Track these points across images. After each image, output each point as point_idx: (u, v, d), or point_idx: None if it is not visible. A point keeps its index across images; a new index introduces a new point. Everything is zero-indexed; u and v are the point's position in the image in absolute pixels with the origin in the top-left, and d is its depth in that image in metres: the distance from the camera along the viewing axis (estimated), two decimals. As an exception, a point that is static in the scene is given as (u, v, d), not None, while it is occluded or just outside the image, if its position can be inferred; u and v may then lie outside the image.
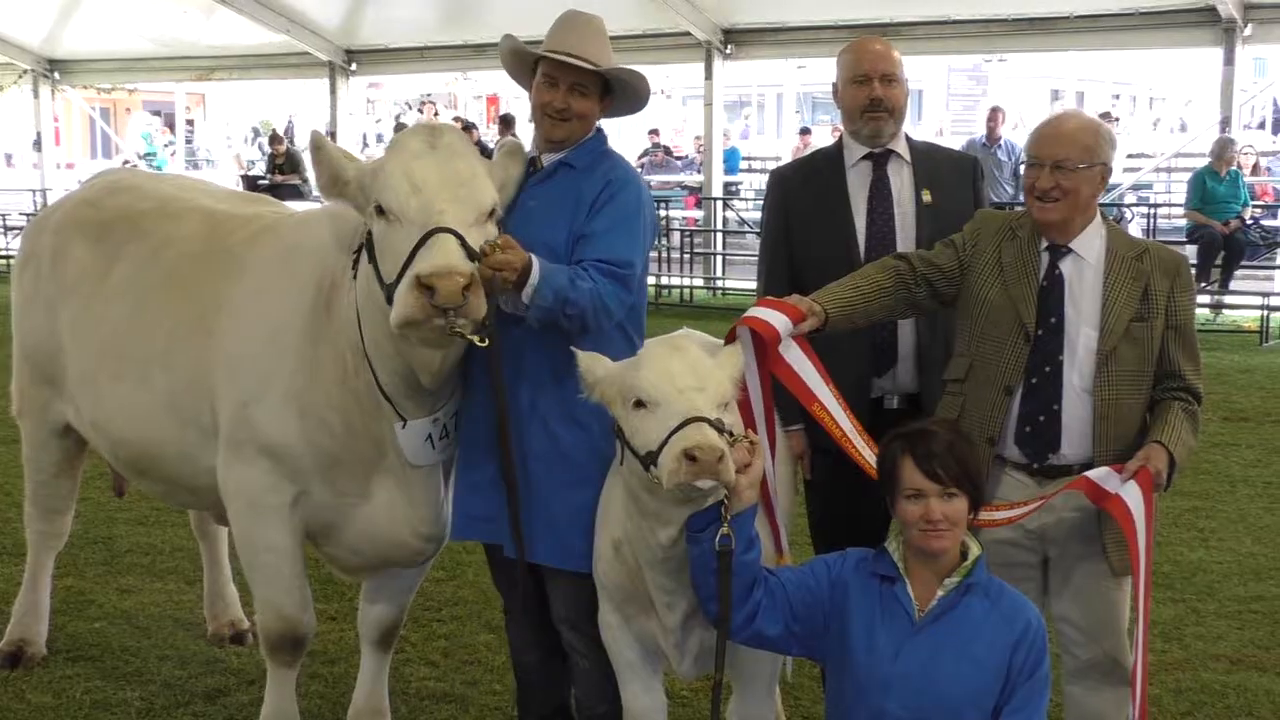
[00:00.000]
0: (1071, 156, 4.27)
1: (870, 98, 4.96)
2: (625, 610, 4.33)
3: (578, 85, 4.51)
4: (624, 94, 4.64)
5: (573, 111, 4.51)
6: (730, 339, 4.25)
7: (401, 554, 4.87)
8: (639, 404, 3.85)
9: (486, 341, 4.16)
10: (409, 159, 4.25)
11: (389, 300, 4.13)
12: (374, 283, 4.30)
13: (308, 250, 4.78)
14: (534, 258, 4.21)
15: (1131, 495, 4.10)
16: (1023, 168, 4.51)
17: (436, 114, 28.83)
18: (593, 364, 4.05)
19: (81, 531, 7.47)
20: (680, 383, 3.81)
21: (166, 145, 37.70)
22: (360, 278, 4.46)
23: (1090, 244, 4.39)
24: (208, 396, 4.85)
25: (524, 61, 4.65)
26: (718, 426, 3.74)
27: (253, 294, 4.83)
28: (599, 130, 4.67)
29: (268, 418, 4.67)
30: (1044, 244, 4.40)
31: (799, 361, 4.33)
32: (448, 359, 4.41)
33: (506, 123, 23.29)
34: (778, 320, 4.25)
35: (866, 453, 4.29)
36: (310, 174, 25.57)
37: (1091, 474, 4.19)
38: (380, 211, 4.22)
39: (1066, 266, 4.37)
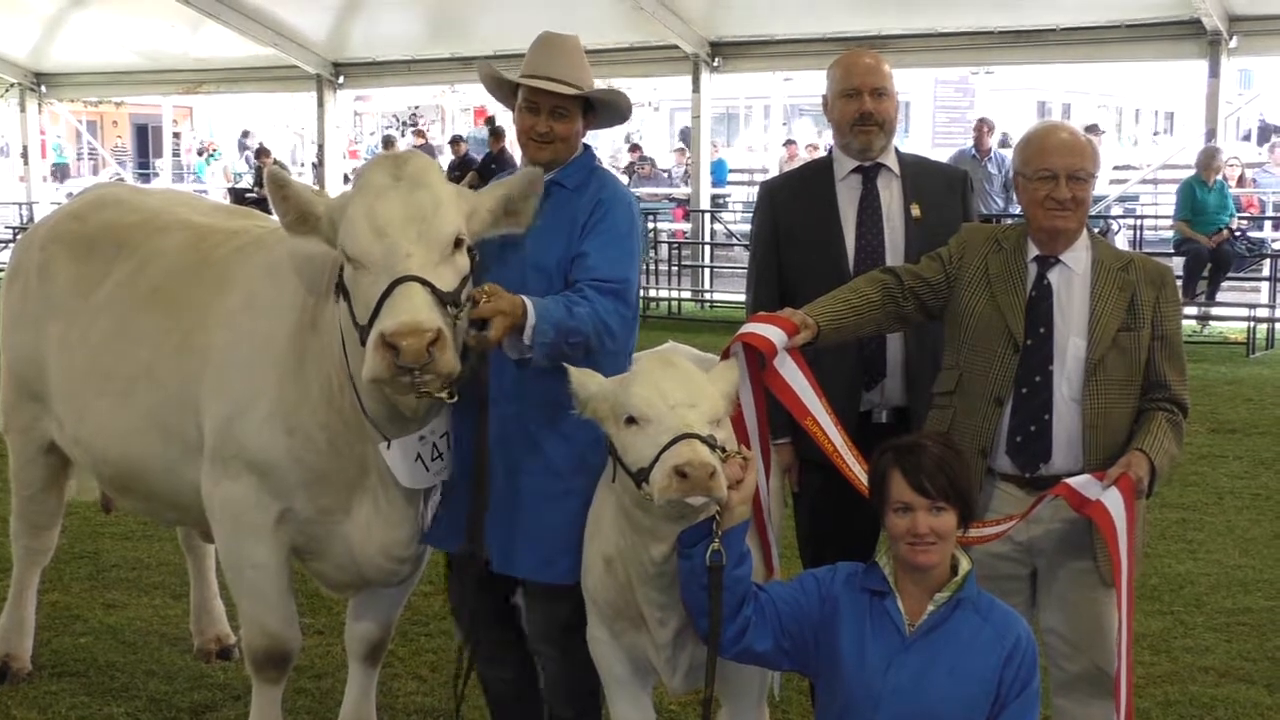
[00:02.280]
0: (1086, 166, 4.35)
1: (860, 111, 4.96)
2: (615, 625, 4.31)
3: (559, 109, 4.52)
4: (606, 110, 4.67)
5: (555, 135, 4.52)
6: (726, 356, 4.25)
7: (375, 574, 4.84)
8: (630, 420, 3.83)
9: (455, 398, 4.14)
10: (372, 199, 4.16)
11: (363, 344, 4.08)
12: (346, 317, 4.27)
13: (293, 265, 4.75)
14: (526, 299, 4.18)
15: (1112, 501, 4.11)
16: (1018, 180, 4.50)
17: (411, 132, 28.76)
18: (585, 380, 4.04)
19: (67, 546, 7.45)
20: (671, 399, 3.79)
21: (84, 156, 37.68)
22: (342, 306, 4.41)
23: (1077, 255, 4.42)
24: (193, 412, 4.83)
25: (505, 85, 4.67)
26: (709, 442, 3.72)
27: (238, 308, 4.80)
28: (587, 147, 4.69)
29: (254, 433, 4.64)
30: (1031, 255, 4.43)
31: (793, 375, 4.33)
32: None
33: (497, 135, 23.24)
34: (773, 334, 4.27)
35: (857, 468, 4.29)
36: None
37: (1072, 481, 4.20)
38: (347, 254, 4.18)
39: (1054, 277, 4.40)
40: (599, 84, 4.62)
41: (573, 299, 4.31)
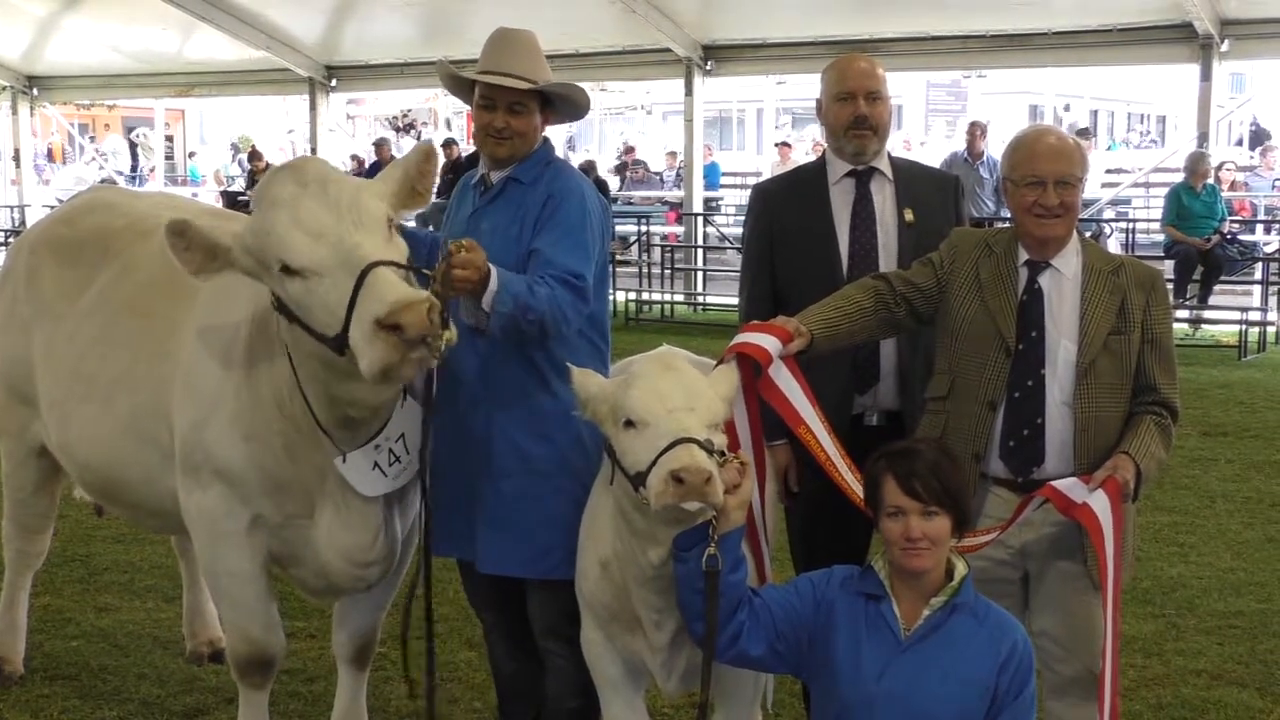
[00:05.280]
0: (1074, 171, 4.34)
1: (855, 115, 4.96)
2: (610, 629, 4.32)
3: (514, 104, 4.54)
4: (563, 105, 4.69)
5: (512, 130, 4.55)
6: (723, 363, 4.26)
7: (341, 580, 4.80)
8: (629, 423, 3.83)
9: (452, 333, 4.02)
10: (291, 209, 4.05)
11: (339, 351, 3.98)
12: (294, 336, 4.18)
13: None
14: (492, 265, 4.17)
15: (1099, 504, 4.11)
16: (1007, 185, 4.49)
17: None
18: (585, 381, 4.04)
19: (59, 549, 7.43)
20: (670, 403, 3.79)
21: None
22: (283, 324, 4.31)
23: (1068, 259, 4.42)
24: (166, 419, 4.81)
25: (464, 83, 4.68)
26: (707, 447, 3.72)
27: (205, 314, 4.76)
28: (545, 140, 4.71)
29: (217, 440, 4.62)
30: (1022, 259, 4.43)
31: (787, 383, 4.33)
32: (386, 394, 4.34)
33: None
34: (768, 343, 4.26)
35: (849, 476, 4.29)
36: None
37: (1059, 484, 4.20)
38: (288, 271, 4.04)
39: (1045, 281, 4.40)
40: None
41: (535, 280, 4.32)
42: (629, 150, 33.07)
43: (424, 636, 4.81)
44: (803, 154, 27.65)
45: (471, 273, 4.07)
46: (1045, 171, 4.31)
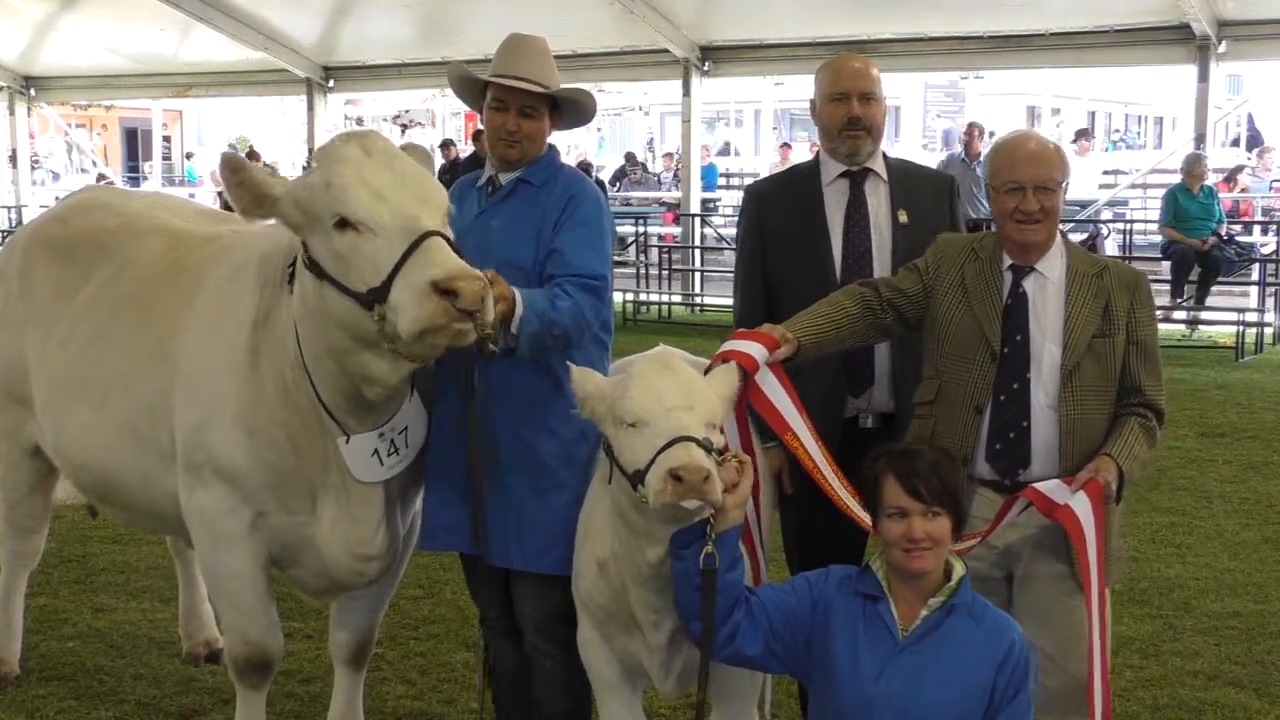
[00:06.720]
0: (1054, 176, 4.34)
1: (849, 116, 4.95)
2: (607, 629, 4.32)
3: (526, 108, 4.57)
4: (571, 110, 4.72)
5: (523, 133, 4.58)
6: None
7: (343, 574, 4.78)
8: (628, 423, 3.83)
9: (497, 348, 4.10)
10: (358, 166, 4.11)
11: (368, 306, 4.00)
12: (320, 298, 4.19)
13: (251, 264, 4.72)
14: (514, 288, 4.21)
15: (1080, 506, 4.12)
16: (989, 190, 4.50)
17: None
18: (584, 379, 4.04)
19: (55, 550, 7.43)
20: (668, 402, 3.80)
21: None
22: (296, 296, 4.36)
23: (1052, 263, 4.43)
24: (166, 420, 4.81)
25: (473, 86, 4.71)
26: (705, 446, 3.72)
27: (205, 315, 4.77)
28: (552, 146, 4.75)
29: (220, 439, 4.62)
30: (1006, 264, 4.44)
31: (774, 390, 4.33)
32: (402, 374, 4.32)
33: (478, 138, 23.23)
34: (754, 350, 4.27)
35: (836, 483, 4.30)
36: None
37: (1041, 486, 4.21)
38: (342, 225, 4.06)
39: (1029, 285, 4.41)
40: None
41: (554, 292, 4.36)
42: (629, 157, 33.10)
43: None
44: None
45: (504, 305, 4.13)
46: (1024, 177, 4.32)
